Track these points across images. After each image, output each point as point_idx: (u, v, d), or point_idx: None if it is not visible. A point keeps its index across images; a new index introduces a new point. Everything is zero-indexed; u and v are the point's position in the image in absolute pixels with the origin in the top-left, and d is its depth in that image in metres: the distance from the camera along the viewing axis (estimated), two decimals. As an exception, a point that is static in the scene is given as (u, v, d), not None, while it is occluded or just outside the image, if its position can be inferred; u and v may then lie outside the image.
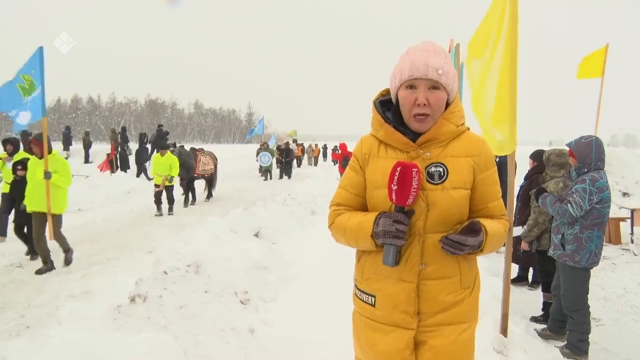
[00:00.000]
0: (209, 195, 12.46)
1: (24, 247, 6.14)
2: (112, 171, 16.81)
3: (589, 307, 3.50)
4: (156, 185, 9.87)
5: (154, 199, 9.80)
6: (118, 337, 2.85)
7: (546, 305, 4.27)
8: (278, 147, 20.33)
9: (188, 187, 11.43)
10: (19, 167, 5.97)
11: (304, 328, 3.68)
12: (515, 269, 5.31)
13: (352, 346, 1.82)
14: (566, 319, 3.64)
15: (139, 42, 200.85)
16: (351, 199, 1.72)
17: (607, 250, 6.86)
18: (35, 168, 5.44)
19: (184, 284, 4.08)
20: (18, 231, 6.07)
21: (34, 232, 5.47)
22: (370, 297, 1.67)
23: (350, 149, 18.63)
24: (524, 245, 4.40)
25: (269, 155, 18.24)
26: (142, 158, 16.95)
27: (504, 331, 3.20)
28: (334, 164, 27.09)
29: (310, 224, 8.34)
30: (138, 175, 16.63)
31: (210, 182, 12.49)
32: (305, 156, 32.10)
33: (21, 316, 4.22)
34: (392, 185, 1.48)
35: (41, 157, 5.45)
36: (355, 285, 1.76)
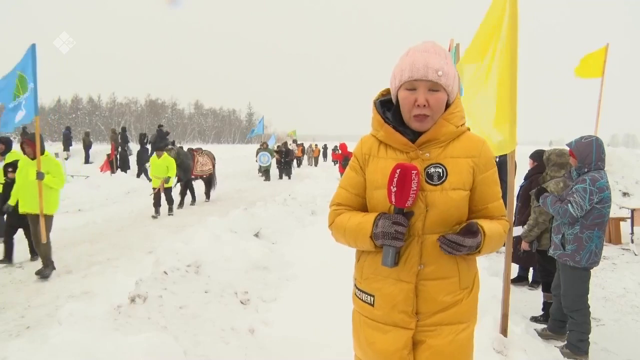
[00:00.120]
0: (208, 196, 12.36)
1: (24, 248, 6.13)
2: (113, 171, 16.82)
3: (589, 307, 3.50)
4: (154, 189, 9.76)
5: (153, 202, 9.70)
6: (118, 337, 2.85)
7: (546, 305, 4.27)
8: (277, 149, 20.29)
9: (185, 188, 11.29)
10: (10, 169, 5.85)
11: (304, 328, 3.68)
12: (515, 269, 5.31)
13: (352, 346, 1.82)
14: (566, 319, 3.64)
15: (139, 42, 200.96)
16: (351, 199, 1.72)
17: (608, 250, 6.85)
18: (27, 169, 5.32)
19: (184, 284, 4.08)
20: (7, 232, 5.86)
21: (32, 234, 5.39)
22: (369, 296, 1.67)
23: (350, 149, 18.63)
24: (524, 245, 4.40)
25: (268, 155, 18.19)
26: (143, 158, 16.94)
27: (504, 331, 3.20)
28: (334, 164, 27.10)
29: (310, 224, 8.34)
30: (138, 175, 16.63)
31: (210, 182, 12.39)
32: (305, 156, 32.12)
33: (21, 316, 4.22)
34: (392, 187, 1.49)
35: (34, 158, 5.32)
36: (355, 285, 1.76)
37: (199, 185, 12.26)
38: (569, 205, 3.34)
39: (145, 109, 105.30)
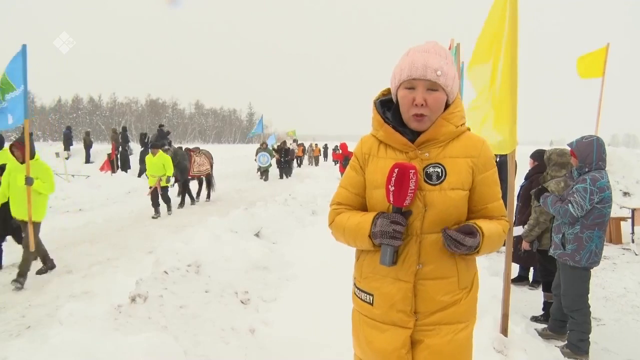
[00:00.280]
0: (209, 196, 12.29)
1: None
2: (113, 171, 16.84)
3: (590, 306, 3.50)
4: (150, 188, 9.56)
5: (151, 202, 9.56)
6: (118, 337, 2.85)
7: (547, 305, 4.27)
8: (277, 148, 20.25)
9: (184, 189, 11.17)
10: None
11: (304, 328, 3.68)
12: (515, 269, 5.31)
13: (352, 345, 1.82)
14: (567, 319, 3.64)
15: (140, 42, 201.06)
16: (351, 199, 1.72)
17: (608, 249, 6.85)
18: (16, 173, 5.07)
19: (184, 284, 4.09)
20: None
21: (24, 240, 5.19)
22: (368, 295, 1.68)
23: (350, 148, 18.62)
24: (525, 245, 4.40)
25: (268, 155, 18.11)
26: (145, 158, 16.95)
27: (504, 331, 3.20)
28: (335, 164, 27.08)
29: (310, 224, 8.34)
30: (140, 175, 16.64)
31: (209, 182, 12.26)
32: (306, 156, 32.12)
33: (22, 316, 4.23)
34: (390, 187, 1.49)
35: (23, 162, 5.06)
36: (354, 284, 1.77)
37: (195, 187, 12.07)
38: (570, 205, 3.34)
39: (145, 108, 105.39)
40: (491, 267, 5.29)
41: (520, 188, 5.15)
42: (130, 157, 18.74)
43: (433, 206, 1.55)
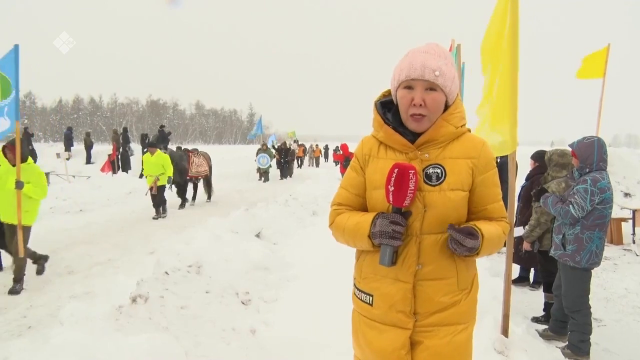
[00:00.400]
0: (209, 197, 12.22)
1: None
2: (114, 172, 16.86)
3: (590, 307, 3.50)
4: (150, 188, 9.34)
5: (152, 203, 9.44)
6: (119, 337, 2.85)
7: (547, 306, 4.27)
8: (277, 148, 20.22)
9: (183, 190, 11.09)
10: None
11: (305, 328, 3.68)
12: (516, 270, 5.30)
13: (352, 345, 1.83)
14: (567, 320, 3.64)
15: (140, 42, 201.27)
16: (352, 199, 1.73)
17: (609, 250, 6.84)
18: (7, 176, 4.90)
19: (185, 285, 4.09)
20: None
21: (8, 244, 5.09)
22: (368, 296, 1.68)
23: (351, 149, 18.61)
24: (526, 246, 4.40)
25: (267, 157, 18.06)
26: (145, 159, 16.96)
27: (505, 332, 3.19)
28: (335, 165, 27.07)
29: (311, 225, 8.34)
30: (141, 176, 16.65)
31: (208, 183, 12.15)
32: (307, 157, 32.12)
33: (23, 316, 4.23)
34: (389, 187, 1.49)
35: (15, 165, 4.90)
36: (354, 285, 1.77)
37: (192, 188, 11.93)
38: (570, 206, 3.34)
39: (146, 109, 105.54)
40: (492, 268, 5.29)
41: (521, 189, 5.15)
42: (131, 157, 18.77)
43: (433, 207, 1.55)
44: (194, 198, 11.79)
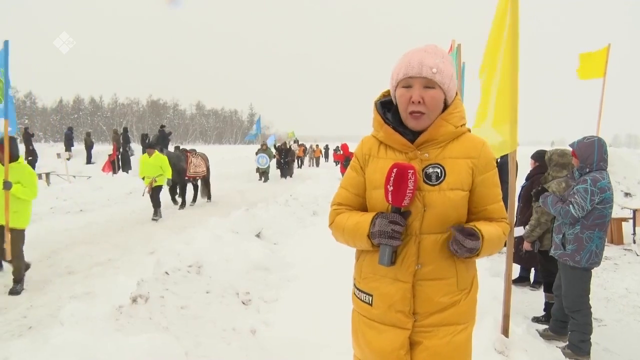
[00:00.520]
0: (208, 197, 12.14)
1: (25, 248, 6.13)
2: (114, 172, 16.87)
3: (591, 307, 3.50)
4: (147, 189, 9.17)
5: (152, 203, 9.30)
6: (119, 337, 2.85)
7: (548, 306, 4.26)
8: (277, 148, 20.20)
9: (182, 191, 11.03)
10: None
11: (305, 329, 3.68)
12: (516, 270, 5.30)
13: (351, 346, 1.83)
14: (568, 320, 3.64)
15: (141, 42, 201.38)
16: (351, 199, 1.73)
17: (609, 250, 6.84)
18: None
19: (186, 285, 4.09)
20: None
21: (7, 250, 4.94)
22: (367, 296, 1.68)
23: (351, 149, 18.59)
24: (526, 246, 4.40)
25: (267, 157, 18.04)
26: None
27: (505, 332, 3.19)
28: (336, 165, 27.08)
29: (311, 225, 8.34)
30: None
31: (207, 184, 12.07)
32: (307, 157, 32.12)
33: (23, 317, 4.23)
34: (388, 186, 1.49)
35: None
36: (354, 285, 1.77)
37: (189, 189, 11.78)
38: (570, 205, 3.34)
39: (147, 109, 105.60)
40: (492, 268, 5.29)
41: (521, 189, 5.15)
42: (131, 157, 18.77)
43: (432, 206, 1.55)
44: (194, 199, 11.75)
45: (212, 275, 4.47)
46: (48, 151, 20.77)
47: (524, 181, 5.15)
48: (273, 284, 4.85)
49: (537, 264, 4.84)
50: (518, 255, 4.87)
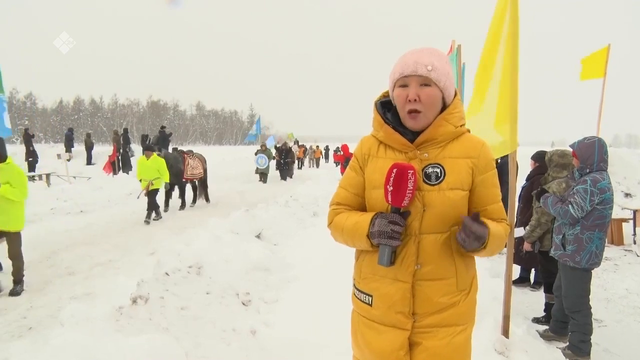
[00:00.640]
0: (206, 199, 11.97)
1: (25, 249, 6.12)
2: (114, 173, 16.87)
3: (591, 308, 3.50)
4: (143, 192, 9.01)
5: (147, 206, 9.04)
6: (119, 338, 2.85)
7: (548, 306, 4.26)
8: (277, 148, 20.19)
9: (181, 193, 10.96)
10: None
11: (305, 329, 3.68)
12: (517, 270, 5.30)
13: (350, 346, 1.83)
14: (568, 320, 3.63)
15: (141, 43, 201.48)
16: (350, 199, 1.73)
17: (610, 251, 6.84)
18: None
19: (186, 285, 4.09)
20: None
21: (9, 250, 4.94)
22: (367, 296, 1.68)
23: (352, 150, 18.54)
24: (527, 246, 4.40)
25: (265, 157, 18.03)
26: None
27: (505, 332, 3.19)
28: (336, 165, 27.08)
29: (311, 226, 8.34)
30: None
31: (203, 185, 11.90)
32: (307, 158, 32.11)
33: (23, 317, 4.23)
34: (388, 187, 1.49)
35: None
36: (354, 285, 1.77)
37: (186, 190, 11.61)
38: (570, 206, 3.34)
39: (147, 110, 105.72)
40: (492, 269, 5.29)
41: (522, 189, 5.15)
42: (131, 158, 18.76)
43: (432, 206, 1.55)
44: (194, 200, 11.73)
45: (212, 276, 4.47)
46: (48, 152, 20.78)
47: (524, 182, 5.15)
48: (273, 284, 4.85)
49: (537, 265, 4.84)
50: (518, 256, 4.87)
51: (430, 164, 1.58)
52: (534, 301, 4.80)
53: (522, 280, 5.34)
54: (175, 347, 2.95)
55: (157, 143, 16.94)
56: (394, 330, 1.63)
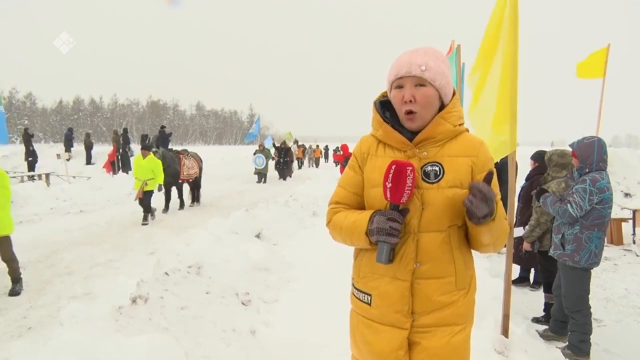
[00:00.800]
0: (196, 200, 11.74)
1: (25, 249, 6.15)
2: (114, 172, 16.87)
3: (590, 307, 3.50)
4: (137, 192, 8.83)
5: (143, 208, 8.95)
6: (119, 338, 2.85)
7: (547, 306, 4.27)
8: (277, 148, 20.17)
9: (179, 193, 10.94)
10: None
11: (305, 329, 3.68)
12: (516, 270, 5.30)
13: (349, 346, 1.83)
14: (567, 320, 3.64)
15: (141, 43, 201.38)
16: (349, 198, 1.73)
17: (609, 251, 6.84)
18: None
19: (185, 285, 4.09)
20: None
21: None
22: (366, 295, 1.68)
23: (351, 150, 18.52)
24: (526, 246, 4.40)
25: (263, 157, 18.03)
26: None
27: (505, 332, 3.20)
28: (336, 165, 27.07)
29: (311, 225, 8.34)
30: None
31: (197, 185, 11.75)
32: (306, 157, 32.09)
33: (23, 317, 4.24)
34: (387, 183, 1.49)
35: None
36: (353, 284, 1.77)
37: (183, 190, 11.54)
38: (569, 205, 3.34)
39: (147, 110, 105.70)
40: (492, 269, 5.29)
41: (521, 189, 5.15)
42: (131, 158, 18.75)
43: (430, 204, 1.55)
44: (193, 200, 11.71)
45: (212, 276, 4.46)
46: (48, 152, 20.76)
47: (524, 182, 5.15)
48: (273, 284, 4.85)
49: (536, 265, 4.84)
50: (518, 256, 4.87)
51: (429, 162, 1.58)
52: (533, 301, 4.80)
53: (522, 280, 5.34)
54: (175, 347, 2.95)
55: (156, 143, 16.90)
56: (392, 329, 1.63)
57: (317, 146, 34.29)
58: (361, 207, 1.72)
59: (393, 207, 1.51)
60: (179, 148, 12.68)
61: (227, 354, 3.24)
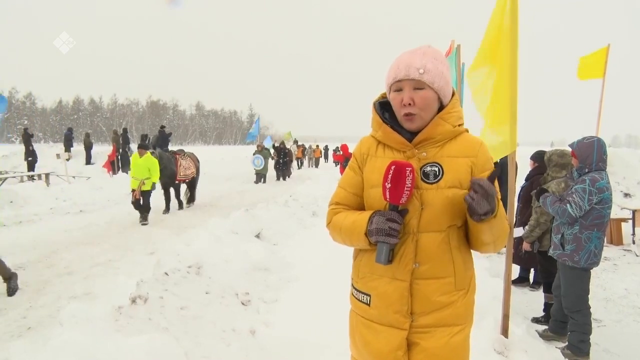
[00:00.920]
0: (191, 200, 11.64)
1: (25, 249, 6.14)
2: (114, 172, 16.86)
3: (590, 307, 3.50)
4: (133, 191, 8.81)
5: (133, 207, 8.90)
6: (119, 338, 2.85)
7: (547, 306, 4.27)
8: (275, 148, 20.15)
9: (177, 193, 10.91)
10: None
11: (305, 329, 3.68)
12: (516, 270, 5.30)
13: (348, 346, 1.83)
14: (567, 320, 3.64)
15: (141, 43, 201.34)
16: (349, 198, 1.73)
17: (609, 251, 6.85)
18: None
19: (185, 285, 4.09)
20: None
21: None
22: (365, 296, 1.68)
23: (351, 150, 18.51)
24: (526, 246, 4.40)
25: (262, 158, 18.03)
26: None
27: (504, 332, 3.20)
28: (335, 165, 27.06)
29: (311, 225, 8.34)
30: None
31: (193, 185, 11.68)
32: (306, 158, 32.08)
33: (23, 317, 4.23)
34: (386, 184, 1.49)
35: None
36: (352, 285, 1.77)
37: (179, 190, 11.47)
38: (568, 205, 3.35)
39: (146, 110, 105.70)
40: (492, 269, 5.29)
41: (521, 189, 5.15)
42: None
43: (430, 205, 1.55)
44: (193, 199, 11.71)
45: (212, 276, 4.46)
46: (48, 152, 20.73)
47: (524, 182, 5.15)
48: (273, 284, 4.85)
49: (536, 265, 4.84)
50: (517, 256, 4.87)
51: (428, 163, 1.58)
52: (533, 301, 4.80)
53: (522, 280, 5.35)
54: (174, 347, 2.95)
55: (156, 143, 16.87)
56: (391, 330, 1.63)
57: (317, 146, 34.29)
58: (361, 207, 1.72)
59: (392, 207, 1.52)
60: (178, 148, 12.66)
61: (227, 354, 3.24)
